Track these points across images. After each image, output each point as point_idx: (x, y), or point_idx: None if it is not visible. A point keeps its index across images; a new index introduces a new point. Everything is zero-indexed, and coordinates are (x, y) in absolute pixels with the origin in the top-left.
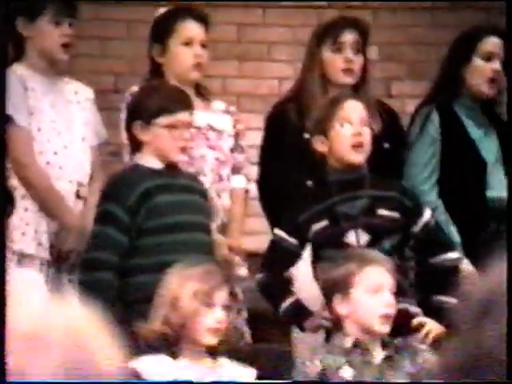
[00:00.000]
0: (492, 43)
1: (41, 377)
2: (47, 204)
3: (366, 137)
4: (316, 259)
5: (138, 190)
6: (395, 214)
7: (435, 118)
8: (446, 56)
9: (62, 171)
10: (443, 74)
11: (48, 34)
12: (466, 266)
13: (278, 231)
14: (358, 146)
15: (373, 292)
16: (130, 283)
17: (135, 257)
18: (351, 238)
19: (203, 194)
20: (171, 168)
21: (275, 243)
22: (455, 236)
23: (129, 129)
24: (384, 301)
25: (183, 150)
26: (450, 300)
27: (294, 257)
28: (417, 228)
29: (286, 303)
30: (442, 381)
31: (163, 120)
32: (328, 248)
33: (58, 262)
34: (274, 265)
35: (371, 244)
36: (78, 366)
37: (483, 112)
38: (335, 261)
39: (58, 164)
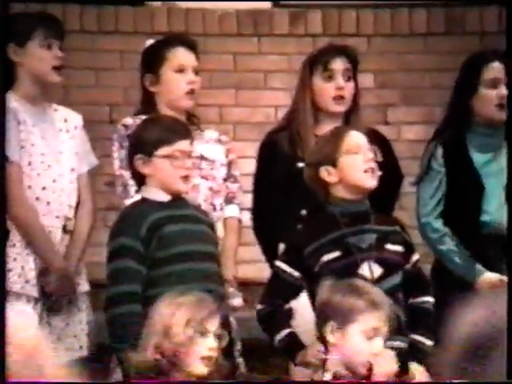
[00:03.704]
0: (495, 69)
1: None
2: (34, 242)
3: (375, 163)
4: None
5: (148, 222)
6: (400, 249)
7: (439, 153)
8: (453, 88)
9: (49, 207)
10: (452, 105)
11: (39, 57)
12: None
13: (279, 263)
14: (371, 172)
15: (368, 337)
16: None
17: (150, 287)
18: (365, 270)
19: (209, 224)
20: (177, 199)
21: (276, 275)
22: (461, 265)
23: (131, 164)
24: (375, 348)
25: (185, 179)
26: (427, 341)
27: (295, 289)
28: (409, 265)
29: (281, 335)
30: (442, 381)
31: (163, 151)
32: (339, 278)
33: (45, 299)
34: (274, 297)
35: (383, 277)
36: None
37: (503, 134)
38: (342, 287)
39: (46, 199)
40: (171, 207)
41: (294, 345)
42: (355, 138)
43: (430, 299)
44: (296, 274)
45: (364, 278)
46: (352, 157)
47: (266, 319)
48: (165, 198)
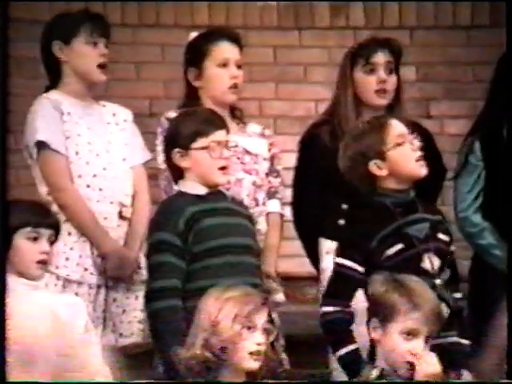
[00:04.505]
0: None
1: None
2: (85, 229)
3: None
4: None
5: (186, 215)
6: (448, 239)
7: (477, 147)
8: (491, 79)
9: (102, 193)
10: (489, 97)
11: (85, 55)
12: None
13: (342, 260)
14: (421, 160)
15: (408, 336)
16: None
17: (189, 281)
18: (426, 262)
19: (248, 217)
20: (214, 192)
21: (339, 273)
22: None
23: (168, 158)
24: (413, 349)
25: (224, 169)
26: (463, 341)
27: (359, 286)
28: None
29: (345, 350)
30: (443, 381)
31: (200, 143)
32: (403, 272)
33: (106, 284)
34: (339, 297)
35: (442, 269)
36: None
37: None
38: (390, 283)
39: (98, 186)
40: (208, 200)
41: (357, 363)
42: (397, 128)
43: (460, 295)
44: (360, 269)
45: (426, 271)
46: (400, 148)
47: (331, 326)
48: (202, 190)
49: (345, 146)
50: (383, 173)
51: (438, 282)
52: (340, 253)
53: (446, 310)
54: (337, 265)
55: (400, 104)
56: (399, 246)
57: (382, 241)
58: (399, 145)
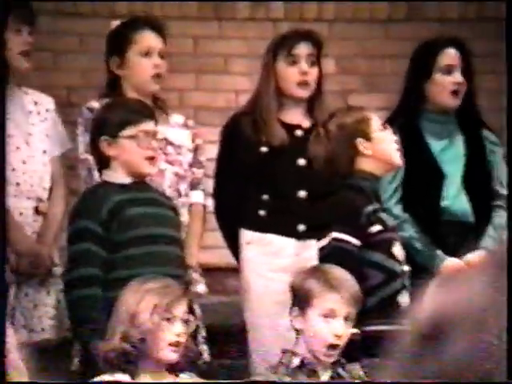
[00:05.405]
0: (450, 56)
1: None
2: None
3: None
4: None
5: (109, 204)
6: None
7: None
8: (406, 73)
9: (19, 188)
10: (405, 91)
11: (8, 42)
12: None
13: (339, 235)
14: (399, 151)
15: (326, 317)
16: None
17: (110, 271)
18: (396, 249)
19: (171, 207)
20: (139, 182)
21: (339, 248)
22: (422, 252)
23: (95, 145)
24: (334, 330)
25: (151, 160)
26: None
27: (355, 261)
28: None
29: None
30: (442, 381)
31: (128, 132)
32: (380, 253)
33: (18, 281)
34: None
35: (405, 260)
36: None
37: (456, 120)
38: (306, 271)
39: (16, 180)
40: (133, 190)
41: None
42: (377, 119)
43: None
44: (357, 242)
45: (396, 258)
46: (384, 133)
47: None
48: (126, 180)
49: (326, 132)
50: (369, 152)
51: (405, 268)
52: (335, 228)
53: (407, 300)
54: (334, 240)
55: (321, 96)
56: (378, 227)
57: (367, 217)
58: (383, 130)
